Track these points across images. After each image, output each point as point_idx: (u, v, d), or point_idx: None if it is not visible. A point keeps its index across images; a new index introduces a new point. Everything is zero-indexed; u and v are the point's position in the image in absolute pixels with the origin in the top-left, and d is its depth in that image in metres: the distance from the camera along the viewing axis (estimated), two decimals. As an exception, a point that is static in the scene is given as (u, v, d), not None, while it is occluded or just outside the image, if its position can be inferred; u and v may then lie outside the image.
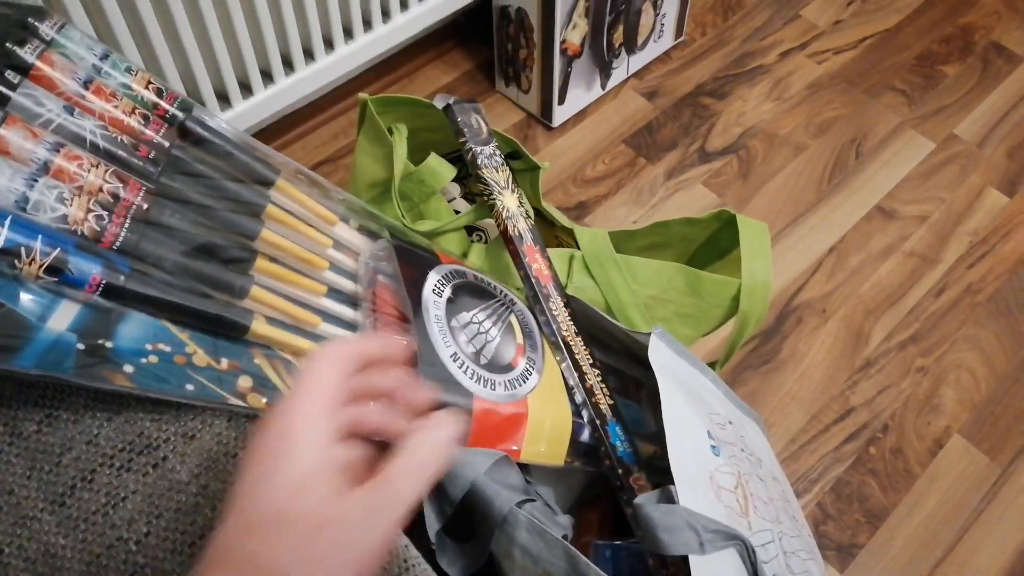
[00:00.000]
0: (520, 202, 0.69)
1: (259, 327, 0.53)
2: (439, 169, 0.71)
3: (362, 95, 0.72)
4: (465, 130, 0.68)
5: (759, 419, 0.88)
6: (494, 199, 0.67)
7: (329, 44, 0.99)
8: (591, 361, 0.66)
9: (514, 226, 0.67)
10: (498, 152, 0.68)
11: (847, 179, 1.19)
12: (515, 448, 0.62)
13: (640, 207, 1.13)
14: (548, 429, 0.64)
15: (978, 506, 0.93)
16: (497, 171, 0.68)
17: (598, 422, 0.64)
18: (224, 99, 0.93)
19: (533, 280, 0.66)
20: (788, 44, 1.35)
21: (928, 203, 1.17)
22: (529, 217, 0.69)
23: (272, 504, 0.31)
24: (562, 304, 0.67)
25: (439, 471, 0.34)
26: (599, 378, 0.66)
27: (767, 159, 1.20)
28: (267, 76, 0.96)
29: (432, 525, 0.59)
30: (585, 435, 0.68)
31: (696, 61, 1.31)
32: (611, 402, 0.65)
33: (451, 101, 0.70)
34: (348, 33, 1.00)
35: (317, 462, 0.32)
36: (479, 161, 0.66)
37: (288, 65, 0.97)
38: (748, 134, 1.22)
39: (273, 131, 1.12)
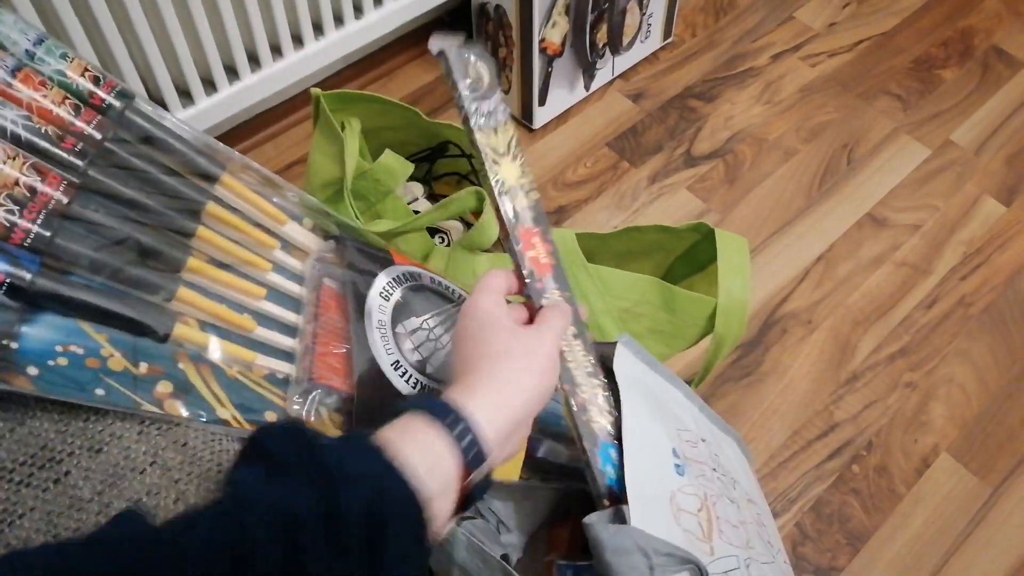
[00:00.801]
0: (523, 171, 0.56)
1: (186, 331, 0.50)
2: (394, 166, 0.68)
3: (315, 90, 0.69)
4: (458, 82, 0.55)
5: (738, 438, 0.84)
6: (486, 171, 0.55)
7: (298, 40, 0.96)
8: (590, 370, 0.57)
9: (509, 205, 0.55)
10: (503, 108, 0.56)
11: (838, 185, 1.15)
12: (463, 463, 0.58)
13: (622, 212, 1.10)
14: (501, 443, 0.60)
15: (966, 529, 0.89)
16: (496, 133, 0.56)
17: (585, 443, 0.55)
18: (186, 95, 0.90)
19: (526, 273, 0.55)
20: (781, 46, 1.31)
21: (922, 211, 1.14)
22: (532, 191, 0.57)
23: (495, 345, 0.48)
24: (560, 300, 0.56)
25: (564, 327, 0.53)
26: (600, 391, 0.57)
27: (755, 164, 1.16)
28: (232, 72, 0.92)
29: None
30: (543, 451, 0.64)
31: (685, 63, 1.28)
32: (611, 419, 0.57)
33: (446, 46, 0.56)
34: (318, 29, 0.97)
35: (507, 321, 0.49)
36: (473, 122, 0.55)
37: (254, 61, 0.93)
38: (736, 138, 1.19)
39: (244, 130, 1.09)
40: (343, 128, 0.69)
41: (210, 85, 0.91)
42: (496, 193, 0.55)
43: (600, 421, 0.57)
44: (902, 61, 1.31)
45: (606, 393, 0.57)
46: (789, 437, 0.94)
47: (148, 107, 0.57)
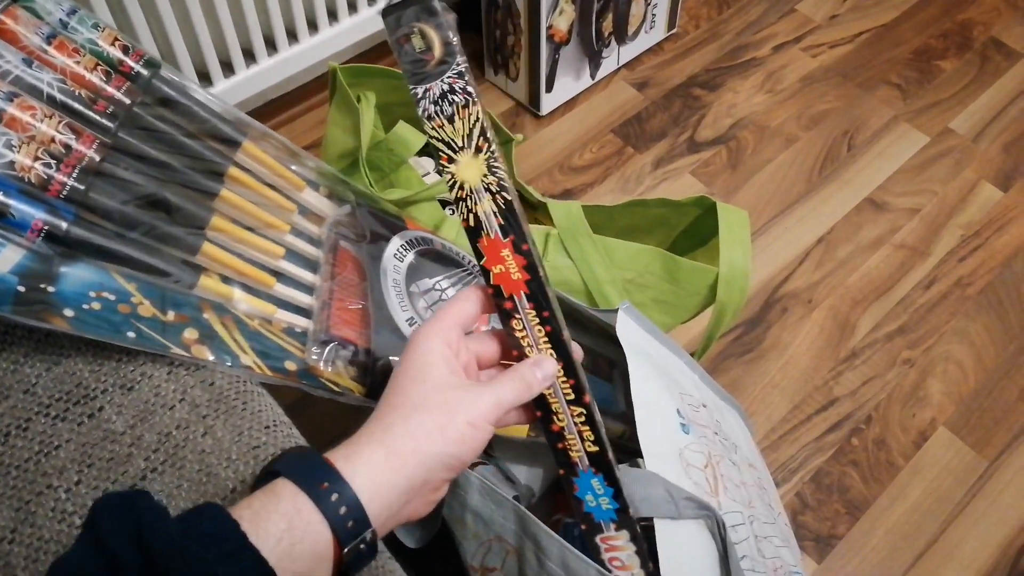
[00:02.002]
0: (489, 168, 0.43)
1: (210, 283, 0.53)
2: (408, 137, 0.70)
3: (332, 64, 0.71)
4: (404, 54, 0.43)
5: (739, 408, 0.86)
6: (447, 169, 0.44)
7: (313, 25, 0.99)
8: (572, 397, 0.47)
9: (472, 209, 0.44)
10: (466, 85, 0.43)
11: (838, 171, 1.18)
12: (474, 416, 0.61)
13: (626, 195, 1.12)
14: (510, 399, 0.63)
15: (962, 500, 0.91)
16: (454, 120, 0.44)
17: (561, 471, 0.50)
18: (205, 77, 0.93)
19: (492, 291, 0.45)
20: (783, 37, 1.34)
21: (920, 196, 1.16)
22: (503, 191, 0.44)
23: (413, 395, 0.41)
24: (535, 321, 0.46)
25: (518, 398, 0.43)
26: (580, 419, 0.48)
27: (757, 150, 1.19)
28: (249, 56, 0.96)
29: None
30: (550, 408, 0.66)
31: (689, 53, 1.30)
32: (594, 449, 0.49)
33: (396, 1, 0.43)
34: (332, 15, 1.00)
35: (442, 367, 0.42)
36: (422, 109, 0.43)
37: (271, 45, 0.96)
38: (739, 125, 1.21)
39: (260, 115, 1.12)
40: (359, 101, 0.72)
41: (228, 68, 0.94)
42: (454, 199, 0.44)
43: (577, 451, 0.49)
44: (902, 52, 1.34)
45: (583, 419, 0.49)
46: (789, 411, 0.96)
47: (174, 76, 0.60)
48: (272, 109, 1.14)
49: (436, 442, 0.40)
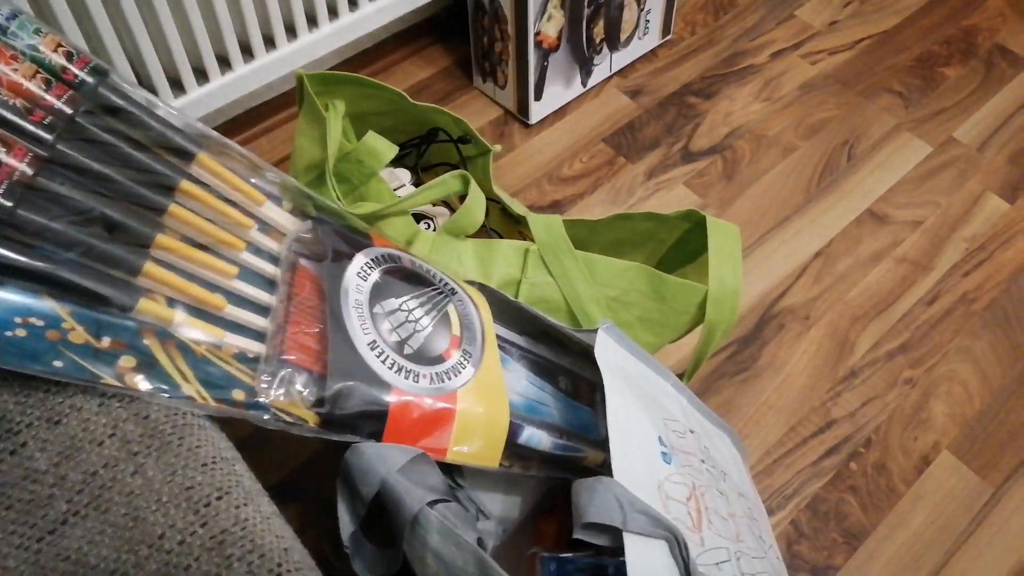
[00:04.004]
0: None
1: (151, 306, 0.49)
2: (378, 147, 0.67)
3: (299, 70, 0.68)
4: None
5: (732, 432, 0.82)
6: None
7: (291, 31, 0.96)
8: None
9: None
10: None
11: (837, 182, 1.14)
12: (440, 446, 0.57)
13: (617, 207, 1.08)
14: (481, 428, 0.59)
15: (967, 528, 0.86)
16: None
17: None
18: (177, 85, 0.89)
19: None
20: (781, 44, 1.30)
21: (923, 208, 1.12)
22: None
23: None
24: None
25: None
26: None
27: (753, 160, 1.15)
28: (224, 62, 0.92)
29: (346, 527, 0.55)
30: (524, 436, 0.63)
31: (684, 60, 1.27)
32: None
33: None
34: (312, 20, 0.97)
35: None
36: None
37: (247, 52, 0.93)
38: (735, 134, 1.18)
39: (239, 123, 1.09)
40: (327, 110, 0.68)
41: (202, 75, 0.90)
42: None
43: None
44: (904, 59, 1.30)
45: None
46: (785, 433, 0.92)
47: (123, 83, 0.56)
48: (250, 118, 1.10)
49: None
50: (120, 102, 0.55)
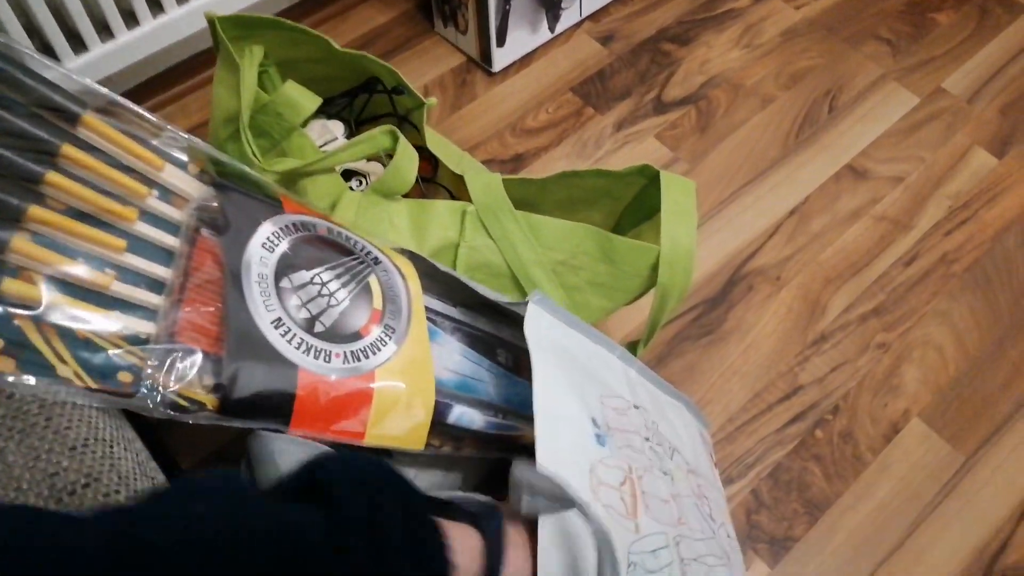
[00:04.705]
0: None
1: (16, 287, 0.45)
2: (297, 98, 0.61)
3: (209, 12, 0.62)
4: None
5: (689, 402, 0.79)
6: None
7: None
8: None
9: None
10: None
11: (817, 134, 1.08)
12: (356, 430, 0.53)
13: (584, 160, 1.03)
14: (403, 408, 0.55)
15: (934, 499, 0.83)
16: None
17: None
18: (78, 41, 0.81)
19: None
20: (764, -14, 1.23)
21: (906, 162, 1.06)
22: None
23: None
24: None
25: None
26: None
27: (729, 111, 1.09)
28: (130, 17, 0.84)
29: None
30: (454, 416, 0.59)
31: (660, 3, 1.20)
32: None
33: None
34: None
35: None
36: None
37: (156, 5, 0.84)
38: (711, 83, 1.12)
39: (151, 88, 1.01)
40: (243, 57, 0.63)
41: (106, 31, 0.82)
42: None
43: None
44: (893, 3, 1.23)
45: None
46: (749, 400, 0.88)
47: (16, 44, 0.51)
48: (168, 80, 1.03)
49: None
50: (-3, 56, 0.50)
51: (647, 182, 0.75)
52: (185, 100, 1.03)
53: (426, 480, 0.67)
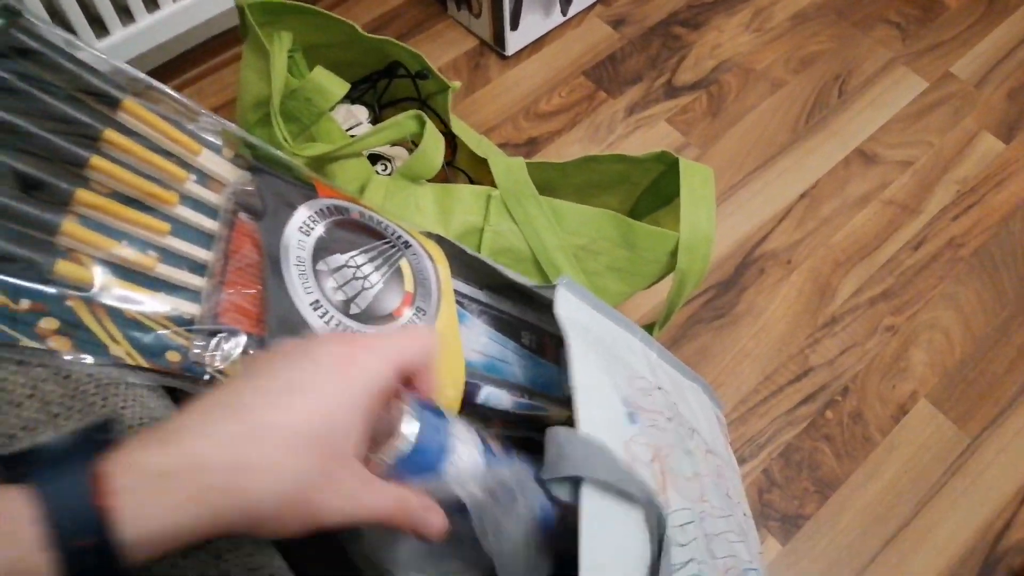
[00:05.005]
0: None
1: (71, 268, 0.46)
2: (326, 84, 0.62)
3: (240, 0, 0.63)
4: None
5: (705, 385, 0.80)
6: None
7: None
8: None
9: None
10: None
11: (827, 119, 1.09)
12: (390, 409, 0.55)
13: (596, 144, 1.04)
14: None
15: (941, 478, 0.85)
16: None
17: None
18: (99, 24, 0.82)
19: None
20: (775, -30, 1.23)
21: (915, 147, 1.08)
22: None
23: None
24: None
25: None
26: None
27: (740, 95, 1.10)
28: (151, 1, 0.85)
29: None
30: (482, 396, 0.60)
31: (671, -13, 1.20)
32: None
33: None
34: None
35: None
36: None
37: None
38: (721, 68, 1.12)
39: (174, 67, 1.02)
40: (272, 43, 0.64)
41: (126, 13, 0.83)
42: None
43: None
44: (903, -13, 1.24)
45: None
46: (761, 381, 0.90)
47: (38, 23, 0.52)
48: (186, 62, 1.04)
49: (273, 415, 0.33)
50: (34, 44, 0.51)
51: (665, 168, 0.76)
52: (201, 83, 1.03)
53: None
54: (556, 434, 0.50)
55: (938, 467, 0.86)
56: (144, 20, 0.83)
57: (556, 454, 0.49)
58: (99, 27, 0.82)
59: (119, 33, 0.82)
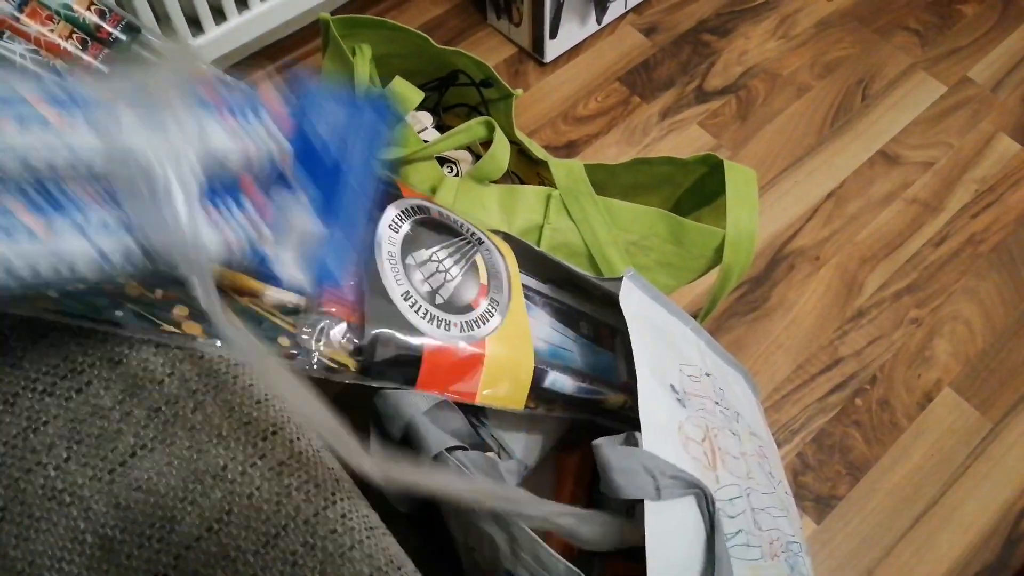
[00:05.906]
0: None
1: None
2: (405, 93, 0.68)
3: (323, 15, 0.68)
4: None
5: (745, 372, 0.85)
6: None
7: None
8: None
9: None
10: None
11: (851, 122, 1.14)
12: (470, 391, 0.60)
13: (632, 147, 1.09)
14: (508, 372, 0.62)
15: (965, 461, 0.90)
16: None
17: None
18: (196, 24, 0.89)
19: None
20: (798, -21, 1.28)
21: (935, 148, 1.13)
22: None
23: None
24: None
25: None
26: None
27: (768, 100, 1.15)
28: (241, 1, 0.92)
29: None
30: (548, 381, 0.66)
31: (699, -4, 1.25)
32: None
33: None
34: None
35: None
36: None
37: (263, -12, 0.93)
38: (749, 73, 1.18)
39: (253, 62, 1.09)
40: (353, 54, 0.69)
41: (219, 13, 0.90)
42: None
43: None
44: (922, -6, 1.29)
45: None
46: (793, 371, 0.95)
47: (156, 40, 0.57)
48: (268, 55, 1.10)
49: None
50: (153, 58, 0.56)
51: (708, 170, 0.81)
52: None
53: (512, 438, 0.74)
54: (601, 453, 0.54)
55: (962, 451, 0.91)
56: (235, 19, 0.91)
57: (607, 480, 0.54)
58: (195, 26, 0.90)
59: (212, 32, 0.90)
